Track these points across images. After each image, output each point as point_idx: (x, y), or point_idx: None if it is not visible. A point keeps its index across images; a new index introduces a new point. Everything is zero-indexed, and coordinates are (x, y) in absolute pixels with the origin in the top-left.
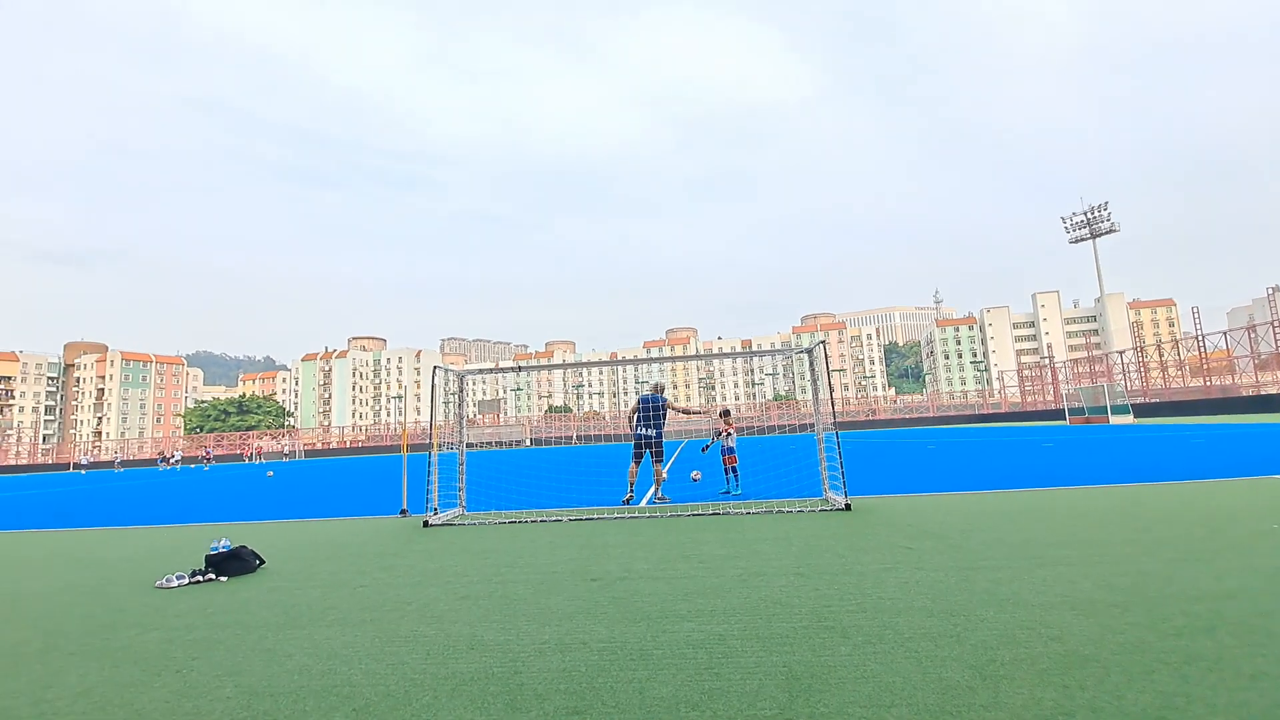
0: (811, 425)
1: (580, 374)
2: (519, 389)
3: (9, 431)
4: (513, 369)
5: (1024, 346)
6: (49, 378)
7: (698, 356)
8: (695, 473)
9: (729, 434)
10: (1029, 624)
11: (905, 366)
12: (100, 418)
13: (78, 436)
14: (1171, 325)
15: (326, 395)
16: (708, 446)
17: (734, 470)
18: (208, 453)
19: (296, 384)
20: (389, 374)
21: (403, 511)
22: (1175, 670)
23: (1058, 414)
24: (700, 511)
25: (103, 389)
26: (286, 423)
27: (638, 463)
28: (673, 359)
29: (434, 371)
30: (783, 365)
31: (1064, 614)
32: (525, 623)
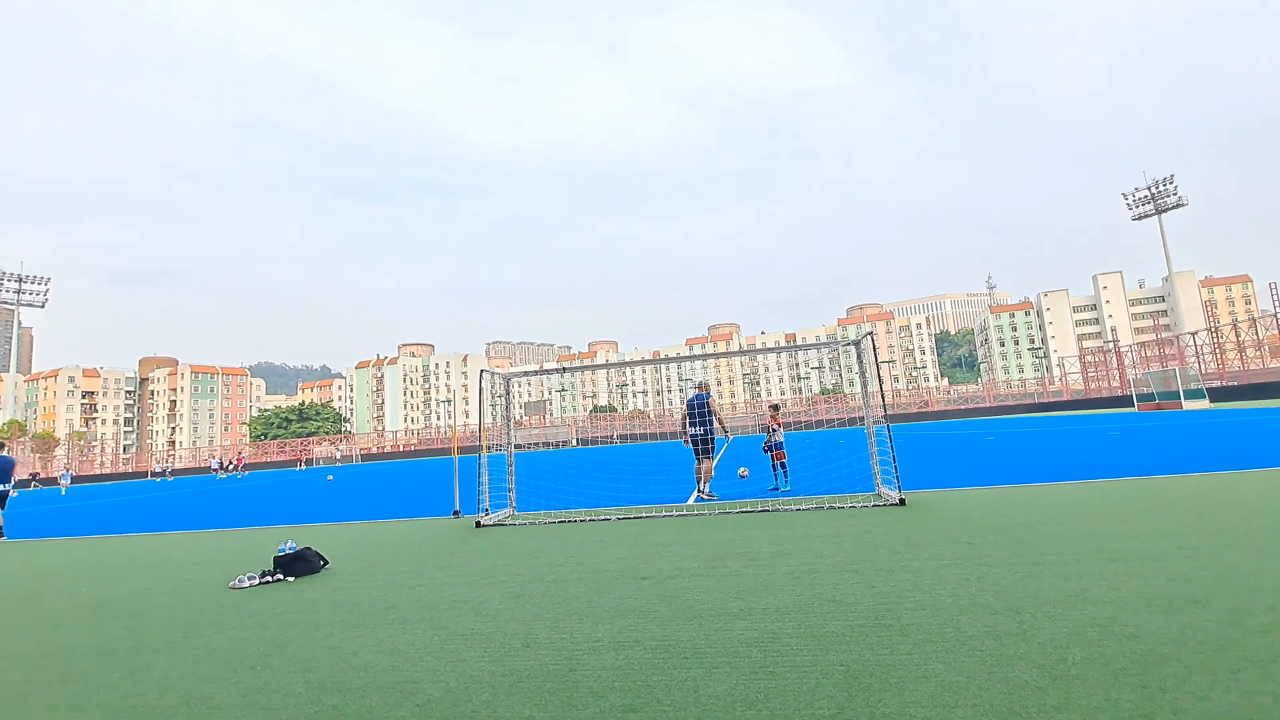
0: (861, 419)
1: (624, 373)
2: (564, 390)
3: (93, 442)
4: (557, 370)
5: (1086, 331)
6: (127, 391)
7: (740, 352)
8: (742, 469)
9: (777, 429)
10: (1101, 621)
11: (958, 355)
12: (174, 428)
13: (154, 446)
14: (1248, 303)
15: (379, 401)
16: (767, 444)
17: (783, 466)
18: (240, 459)
19: (351, 390)
20: (438, 379)
21: (455, 513)
22: (1262, 669)
23: (1125, 400)
24: (749, 508)
25: (175, 400)
26: (343, 428)
27: (700, 461)
28: (715, 355)
29: (481, 375)
30: (829, 358)
31: (1139, 610)
32: (578, 621)
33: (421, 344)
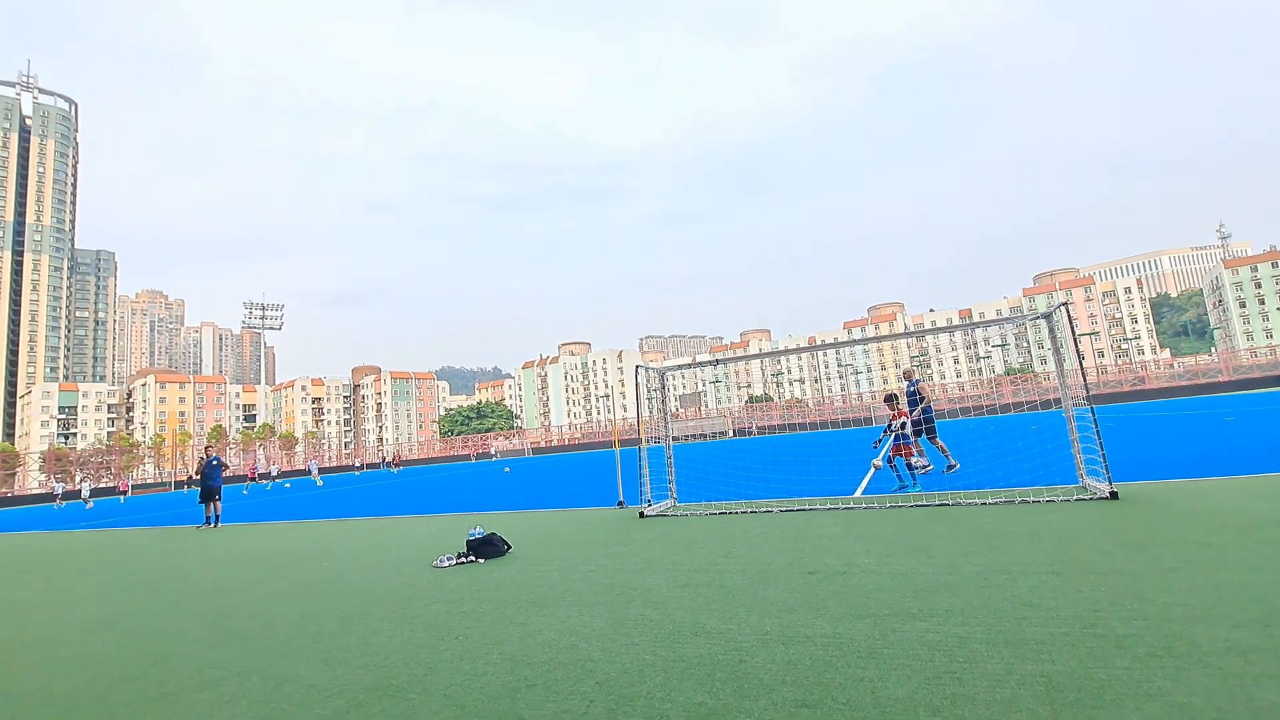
0: (1057, 400)
1: (778, 362)
2: (718, 381)
3: (322, 440)
4: (710, 363)
5: None
6: (344, 396)
7: (907, 334)
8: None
9: (901, 421)
10: None
11: (1183, 322)
12: (380, 426)
13: (366, 443)
14: None
15: (545, 398)
16: (879, 441)
17: (908, 464)
18: (398, 457)
19: (519, 389)
20: (595, 375)
21: (620, 503)
22: None
23: None
24: (925, 502)
25: (380, 403)
26: (514, 424)
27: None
28: (878, 339)
29: (636, 370)
30: (1014, 334)
31: None
32: (745, 613)
33: (579, 342)
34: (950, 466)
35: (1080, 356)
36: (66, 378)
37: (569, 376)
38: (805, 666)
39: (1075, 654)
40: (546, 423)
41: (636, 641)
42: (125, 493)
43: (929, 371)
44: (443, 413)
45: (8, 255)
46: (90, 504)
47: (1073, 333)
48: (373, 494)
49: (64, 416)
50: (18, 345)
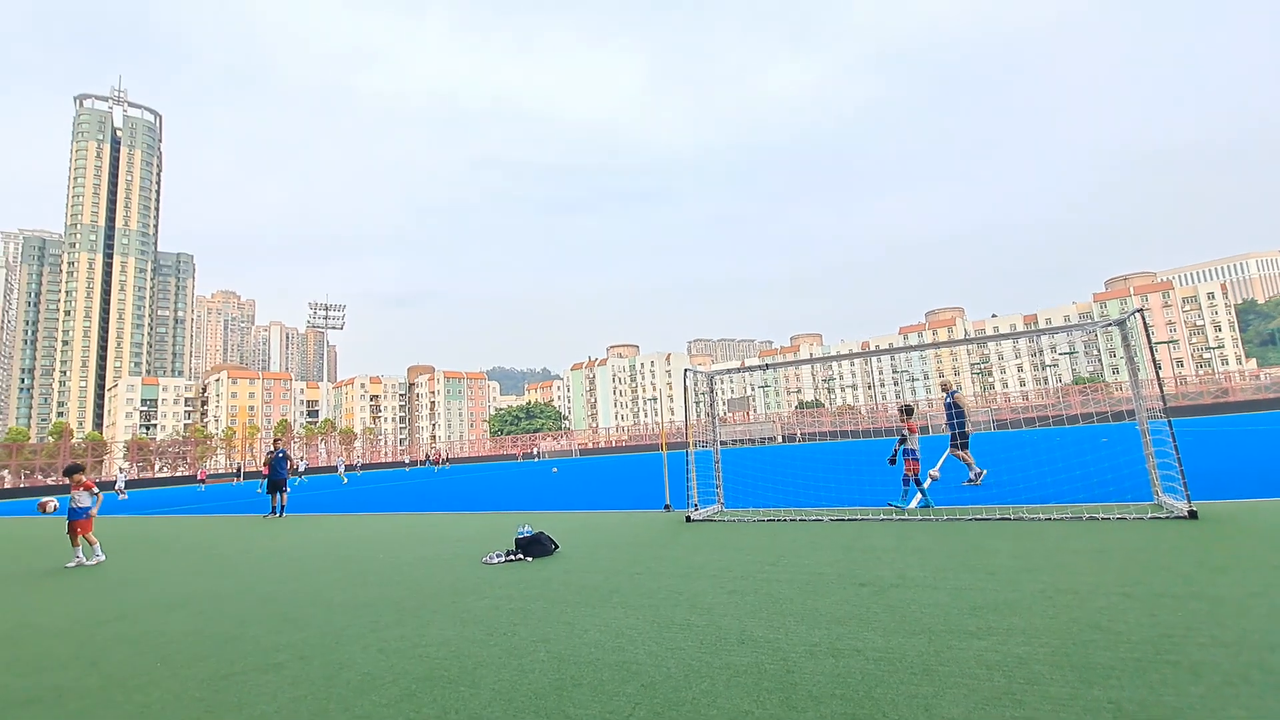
0: (1130, 412)
1: (830, 367)
2: (766, 386)
3: (379, 437)
4: (759, 367)
5: None
6: (400, 395)
7: (966, 340)
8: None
9: (911, 435)
10: None
11: (1271, 330)
12: (434, 424)
13: (421, 440)
14: None
15: (593, 400)
16: (894, 458)
17: (915, 480)
18: (440, 454)
19: (568, 390)
20: (643, 377)
21: (666, 506)
22: None
23: None
24: (985, 516)
25: (433, 402)
26: (563, 425)
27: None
28: (935, 345)
29: (685, 374)
30: (1083, 341)
31: None
32: (793, 623)
33: (627, 345)
34: (973, 477)
35: (1157, 366)
36: (149, 372)
37: (617, 379)
38: (855, 680)
39: (1146, 680)
40: (594, 424)
41: (682, 646)
42: (204, 481)
43: (990, 379)
44: (493, 412)
45: (99, 258)
46: (122, 495)
47: (1149, 340)
48: (419, 491)
49: (145, 409)
50: (107, 341)
